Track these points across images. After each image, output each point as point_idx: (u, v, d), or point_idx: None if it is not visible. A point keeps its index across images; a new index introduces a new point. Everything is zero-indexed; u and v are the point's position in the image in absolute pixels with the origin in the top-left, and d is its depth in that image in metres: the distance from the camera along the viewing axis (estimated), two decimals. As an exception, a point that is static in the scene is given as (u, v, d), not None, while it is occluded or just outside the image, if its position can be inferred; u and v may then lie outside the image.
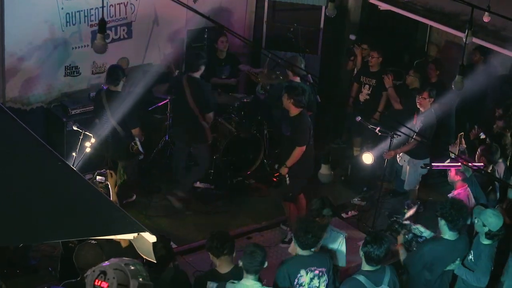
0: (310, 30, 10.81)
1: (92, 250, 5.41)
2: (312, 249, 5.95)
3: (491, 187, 7.65)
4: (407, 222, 6.92)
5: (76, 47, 9.00)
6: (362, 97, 9.89)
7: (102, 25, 6.70)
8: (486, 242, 6.39)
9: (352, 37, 10.65)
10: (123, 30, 9.39)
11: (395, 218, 7.01)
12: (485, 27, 8.11)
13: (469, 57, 10.01)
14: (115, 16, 9.23)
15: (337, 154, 10.47)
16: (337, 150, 10.65)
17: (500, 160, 7.74)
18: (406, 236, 6.76)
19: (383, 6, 9.62)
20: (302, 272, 5.86)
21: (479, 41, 8.43)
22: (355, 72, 10.39)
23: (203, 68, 8.62)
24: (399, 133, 8.35)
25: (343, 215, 9.10)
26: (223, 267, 5.77)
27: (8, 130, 4.56)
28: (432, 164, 7.99)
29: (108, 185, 6.66)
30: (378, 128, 8.53)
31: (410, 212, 7.24)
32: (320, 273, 5.92)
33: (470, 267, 6.49)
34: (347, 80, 10.74)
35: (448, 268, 6.44)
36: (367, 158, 8.67)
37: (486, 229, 6.32)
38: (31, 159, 4.43)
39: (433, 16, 9.09)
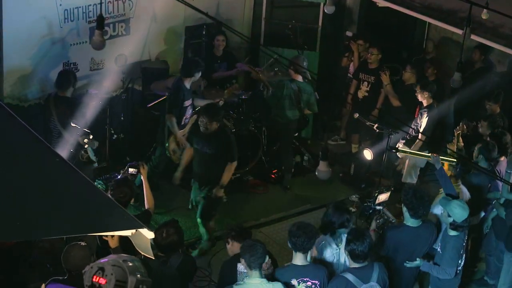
0: (308, 27, 10.81)
1: (82, 251, 5.40)
2: (308, 259, 5.87)
3: (489, 185, 7.67)
4: (379, 207, 6.98)
5: (74, 44, 8.99)
6: (361, 94, 9.90)
7: (100, 22, 6.71)
8: (452, 233, 6.41)
9: (349, 33, 10.66)
10: (121, 26, 9.38)
11: (367, 203, 7.07)
12: (483, 24, 8.11)
13: (469, 55, 10.04)
14: (113, 12, 9.22)
15: (335, 151, 10.50)
16: (335, 147, 10.68)
17: (503, 159, 7.74)
18: (378, 221, 6.84)
19: (382, 3, 9.62)
20: (294, 281, 5.76)
21: (477, 38, 8.43)
22: (350, 68, 10.42)
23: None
24: (397, 130, 8.38)
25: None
26: None
27: (5, 127, 4.55)
28: (399, 148, 8.05)
29: (140, 176, 6.69)
30: (376, 125, 8.56)
31: (382, 197, 7.27)
32: (313, 285, 5.80)
33: (438, 259, 6.54)
34: (345, 77, 10.76)
35: (410, 265, 6.46)
36: (367, 154, 8.72)
37: (450, 219, 6.34)
38: (29, 155, 4.43)
39: (431, 13, 9.08)
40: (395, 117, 9.04)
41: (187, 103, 8.55)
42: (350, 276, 5.70)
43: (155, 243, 5.90)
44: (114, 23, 9.28)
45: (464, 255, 6.67)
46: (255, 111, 9.77)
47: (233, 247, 6.01)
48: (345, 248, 5.82)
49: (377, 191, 7.51)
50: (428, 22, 10.31)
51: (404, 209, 6.44)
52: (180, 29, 10.06)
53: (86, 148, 7.89)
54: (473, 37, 7.76)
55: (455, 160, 7.52)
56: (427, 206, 6.48)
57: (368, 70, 9.83)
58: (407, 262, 6.46)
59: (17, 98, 8.74)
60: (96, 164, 8.19)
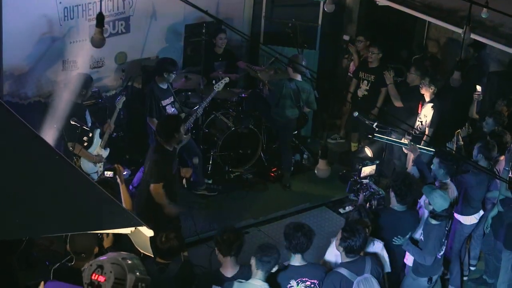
0: (308, 26, 10.81)
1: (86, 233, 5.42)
2: (305, 260, 5.89)
3: (488, 184, 7.67)
4: (365, 180, 7.08)
5: (73, 42, 8.98)
6: (361, 93, 9.91)
7: (100, 19, 6.70)
8: (433, 222, 6.52)
9: (346, 37, 10.67)
10: (121, 24, 9.38)
11: (354, 178, 7.15)
12: (483, 23, 8.12)
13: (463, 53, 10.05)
14: (113, 10, 9.22)
15: (334, 150, 10.50)
16: (334, 145, 10.68)
17: (502, 158, 7.75)
18: (364, 194, 7.09)
19: (381, 2, 9.62)
20: (293, 282, 5.78)
21: (477, 37, 8.43)
22: (351, 67, 10.42)
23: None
24: (397, 128, 8.39)
25: (341, 210, 9.13)
26: (228, 269, 5.68)
27: (5, 124, 4.55)
28: (375, 134, 8.12)
29: (117, 178, 6.64)
30: (376, 124, 8.57)
31: (367, 170, 7.34)
32: (312, 285, 5.82)
33: (421, 246, 6.62)
34: (345, 76, 10.77)
35: (397, 242, 6.56)
36: (367, 152, 8.75)
37: (430, 207, 6.47)
38: (28, 153, 4.43)
39: (432, 12, 9.08)
40: (396, 117, 9.04)
41: (165, 102, 8.57)
42: (344, 271, 5.76)
43: (154, 248, 5.84)
44: (114, 21, 9.28)
45: (446, 242, 6.78)
46: (254, 110, 9.77)
47: (219, 257, 5.78)
48: (339, 245, 5.84)
49: (360, 164, 7.59)
50: (428, 21, 10.32)
51: (392, 194, 6.64)
52: (180, 27, 10.06)
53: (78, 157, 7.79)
54: (473, 36, 7.76)
55: (432, 150, 7.66)
56: (414, 193, 6.64)
57: (368, 69, 9.83)
58: (395, 239, 6.55)
59: (17, 95, 8.74)
60: (99, 168, 8.01)
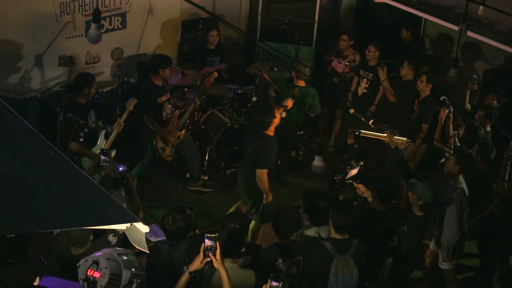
0: (304, 22, 10.81)
1: None
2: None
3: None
4: (349, 181, 7.10)
5: (70, 37, 8.97)
6: (360, 91, 9.91)
7: (97, 15, 6.69)
8: (419, 213, 6.65)
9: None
10: (118, 20, 9.37)
11: (337, 177, 7.21)
12: (479, 21, 8.13)
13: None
14: (110, 6, 9.20)
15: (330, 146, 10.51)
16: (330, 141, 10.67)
17: None
18: (348, 195, 7.11)
19: (378, -1, 9.64)
20: (280, 259, 5.78)
21: (474, 35, 8.44)
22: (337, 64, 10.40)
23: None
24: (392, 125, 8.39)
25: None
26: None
27: (1, 119, 4.55)
28: (361, 131, 8.20)
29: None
30: (372, 121, 8.57)
31: (353, 172, 7.38)
32: (297, 261, 5.84)
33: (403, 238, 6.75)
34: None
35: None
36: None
37: (420, 202, 6.57)
38: (24, 148, 4.43)
39: (428, 9, 9.10)
40: (391, 112, 9.05)
41: (161, 99, 8.54)
42: (328, 245, 5.83)
43: (163, 230, 5.84)
44: (110, 17, 9.26)
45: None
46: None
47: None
48: (329, 218, 5.93)
49: (349, 166, 7.62)
50: (425, 18, 10.32)
51: (373, 193, 6.70)
52: (176, 23, 10.05)
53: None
54: (469, 33, 7.78)
55: (408, 139, 7.91)
56: (396, 192, 6.70)
57: (368, 67, 9.82)
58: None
59: (13, 90, 8.73)
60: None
